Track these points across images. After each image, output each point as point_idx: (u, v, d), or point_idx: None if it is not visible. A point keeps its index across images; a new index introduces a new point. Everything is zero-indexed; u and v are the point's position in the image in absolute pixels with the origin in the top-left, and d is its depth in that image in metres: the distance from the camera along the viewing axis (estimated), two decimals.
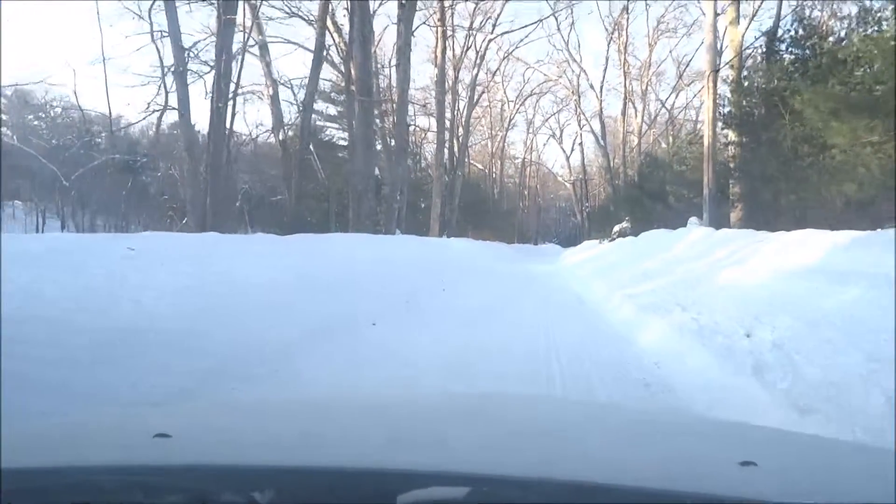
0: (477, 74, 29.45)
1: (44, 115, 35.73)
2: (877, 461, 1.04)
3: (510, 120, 46.93)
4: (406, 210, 24.68)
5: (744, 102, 13.68)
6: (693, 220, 16.50)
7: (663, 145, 34.21)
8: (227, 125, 13.39)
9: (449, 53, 30.35)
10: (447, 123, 32.30)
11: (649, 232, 17.13)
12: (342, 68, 22.05)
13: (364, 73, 16.65)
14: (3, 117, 30.91)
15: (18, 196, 35.76)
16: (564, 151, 52.93)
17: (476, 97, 34.78)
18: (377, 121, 22.15)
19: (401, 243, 13.91)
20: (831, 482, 0.86)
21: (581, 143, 47.03)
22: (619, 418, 1.46)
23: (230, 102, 12.98)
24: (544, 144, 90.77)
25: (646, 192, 22.63)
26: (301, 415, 1.34)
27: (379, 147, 28.43)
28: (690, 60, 33.50)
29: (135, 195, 32.76)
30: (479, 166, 49.47)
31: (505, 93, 45.36)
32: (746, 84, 13.66)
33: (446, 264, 13.18)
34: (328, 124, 28.45)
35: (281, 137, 20.06)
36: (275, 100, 20.29)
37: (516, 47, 33.06)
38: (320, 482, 0.75)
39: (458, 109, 31.73)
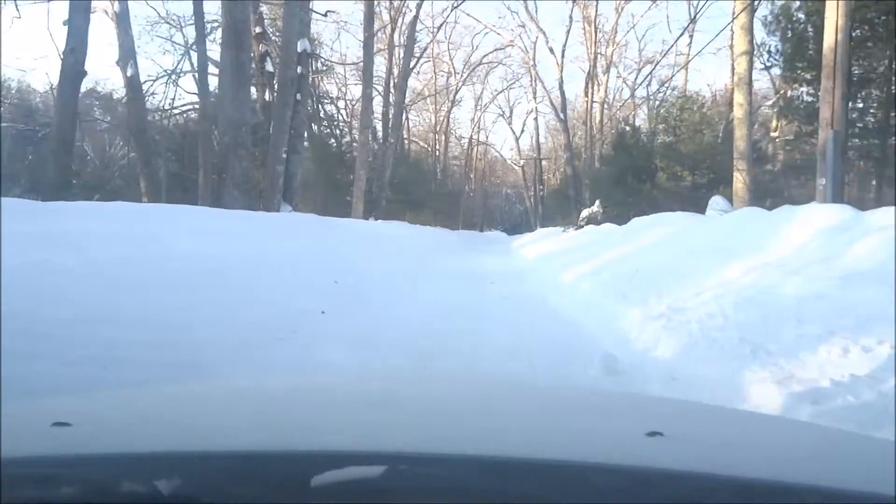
0: (417, 16, 23.65)
1: None
2: (785, 431, 1.05)
3: (456, 91, 41.80)
4: (318, 182, 19.03)
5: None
6: (717, 199, 11.61)
7: (636, 124, 29.17)
8: None
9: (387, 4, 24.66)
10: (381, 84, 26.82)
11: (652, 217, 11.88)
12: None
13: None
14: None
15: None
16: (514, 132, 47.73)
17: (418, 54, 29.23)
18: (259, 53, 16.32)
19: (266, 226, 8.25)
20: (738, 452, 0.87)
21: (536, 118, 41.81)
22: (535, 395, 1.44)
23: None
24: (493, 123, 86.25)
25: (629, 170, 17.55)
26: (207, 402, 1.20)
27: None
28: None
29: (38, 167, 26.38)
30: (422, 143, 44.04)
31: (451, 60, 40.07)
32: None
33: (343, 266, 7.69)
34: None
35: (130, 74, 13.97)
36: (123, 18, 14.14)
37: None
38: (229, 467, 0.70)
39: (396, 65, 26.01)
